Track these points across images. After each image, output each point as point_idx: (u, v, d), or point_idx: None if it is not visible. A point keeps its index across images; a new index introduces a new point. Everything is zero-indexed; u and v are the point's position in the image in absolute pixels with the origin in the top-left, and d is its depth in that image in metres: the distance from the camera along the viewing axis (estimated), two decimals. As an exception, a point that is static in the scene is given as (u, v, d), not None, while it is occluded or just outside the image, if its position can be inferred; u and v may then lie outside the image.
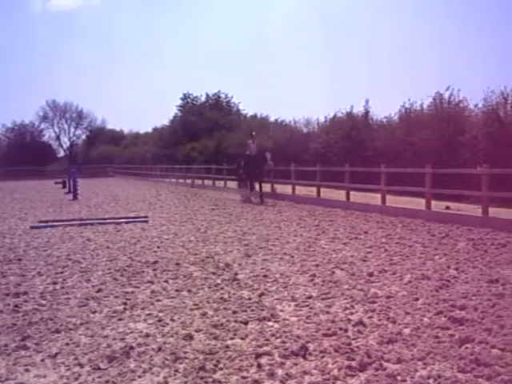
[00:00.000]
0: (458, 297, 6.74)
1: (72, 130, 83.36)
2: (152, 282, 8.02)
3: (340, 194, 19.96)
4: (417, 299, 6.70)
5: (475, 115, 25.87)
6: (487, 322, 5.72)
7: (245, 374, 4.57)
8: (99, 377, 4.59)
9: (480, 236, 11.40)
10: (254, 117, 53.98)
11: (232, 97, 62.29)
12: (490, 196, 13.64)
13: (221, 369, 4.69)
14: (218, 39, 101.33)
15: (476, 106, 25.96)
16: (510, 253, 9.55)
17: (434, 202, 15.60)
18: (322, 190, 21.72)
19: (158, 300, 7.01)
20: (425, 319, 5.91)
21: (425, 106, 28.74)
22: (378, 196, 17.46)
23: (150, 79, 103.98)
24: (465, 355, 4.79)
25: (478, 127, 23.52)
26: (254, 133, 25.77)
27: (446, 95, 27.46)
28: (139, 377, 4.57)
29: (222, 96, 62.16)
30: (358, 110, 34.17)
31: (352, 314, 6.17)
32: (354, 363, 4.66)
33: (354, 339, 5.30)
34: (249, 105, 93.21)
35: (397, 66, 66.98)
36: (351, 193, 19.43)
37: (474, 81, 57.41)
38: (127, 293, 7.41)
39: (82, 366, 4.84)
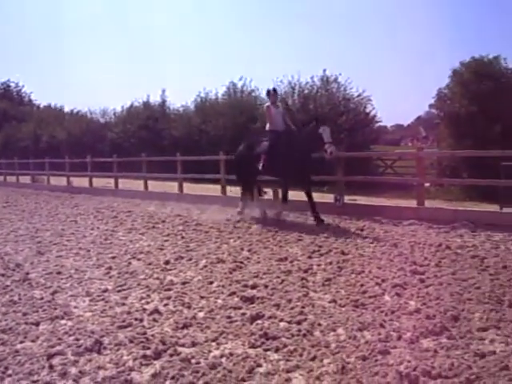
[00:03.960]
0: (250, 277, 7.04)
1: None
2: None
3: (139, 184, 19.81)
4: (211, 283, 6.88)
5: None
6: (276, 298, 6.05)
7: (35, 377, 4.32)
8: None
9: (272, 217, 11.98)
10: (48, 107, 51.55)
11: (23, 86, 58.77)
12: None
13: (9, 375, 4.38)
14: (9, 26, 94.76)
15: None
16: (299, 232, 10.21)
17: (230, 188, 16.12)
18: (120, 180, 21.40)
19: None
20: (219, 301, 6.09)
21: (219, 95, 29.60)
22: (176, 184, 17.61)
23: None
24: (255, 331, 5.03)
25: (269, 115, 24.68)
26: (272, 88, 12.96)
27: (240, 85, 28.53)
28: None
29: (12, 85, 58.40)
30: (155, 99, 34.20)
31: (148, 303, 6.14)
32: (149, 352, 4.64)
33: (149, 328, 5.27)
34: (43, 95, 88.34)
35: (193, 55, 67.82)
36: (149, 182, 19.40)
37: (266, 71, 60.47)
38: None
39: None
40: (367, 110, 25.08)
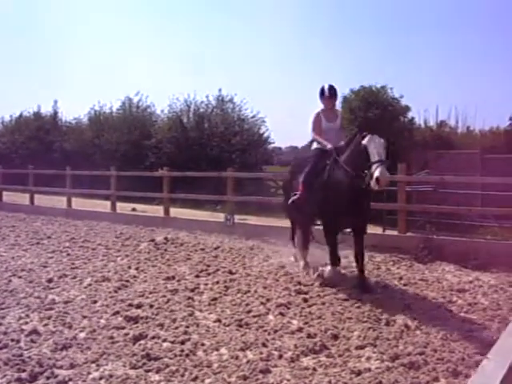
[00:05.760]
0: (136, 296, 6.95)
1: None
2: None
3: (25, 198, 19.04)
4: (95, 302, 6.71)
5: (161, 120, 27.12)
6: (161, 318, 6.01)
7: None
8: None
9: (163, 236, 11.81)
10: None
11: None
12: (171, 197, 14.42)
13: None
14: None
15: (162, 111, 27.28)
16: (187, 250, 10.20)
17: (120, 204, 15.88)
18: (4, 193, 20.46)
19: None
20: (101, 321, 5.95)
21: (114, 110, 29.17)
22: (65, 199, 17.09)
23: None
24: (137, 352, 4.96)
25: (164, 132, 24.71)
26: (329, 86, 8.18)
27: (136, 100, 28.26)
28: None
29: None
30: (47, 110, 33.12)
31: (26, 323, 5.88)
32: (24, 374, 4.46)
33: (26, 349, 5.06)
34: None
35: (87, 68, 66.03)
36: (36, 196, 18.70)
37: (163, 88, 60.14)
38: None
39: None
40: (261, 131, 25.57)
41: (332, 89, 8.17)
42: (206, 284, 7.60)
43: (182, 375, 4.49)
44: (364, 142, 6.84)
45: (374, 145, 6.77)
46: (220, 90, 25.50)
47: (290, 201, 8.33)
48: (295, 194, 8.16)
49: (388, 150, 6.82)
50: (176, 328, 5.66)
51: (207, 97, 25.56)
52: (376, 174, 6.53)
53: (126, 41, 67.58)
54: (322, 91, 8.18)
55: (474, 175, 13.74)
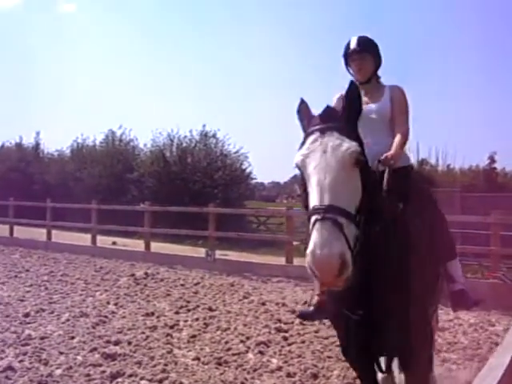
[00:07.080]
0: (114, 332, 6.87)
1: None
2: None
3: (4, 230, 18.82)
4: (73, 338, 6.62)
5: (144, 154, 27.14)
6: (139, 355, 5.94)
7: None
8: None
9: (143, 271, 11.76)
10: None
11: None
12: (152, 232, 14.37)
13: None
14: None
15: (145, 145, 27.32)
16: (167, 286, 10.12)
17: (101, 238, 15.76)
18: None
19: None
20: (78, 357, 5.86)
21: (97, 143, 29.15)
22: (45, 231, 16.94)
23: None
24: (116, 390, 4.89)
25: (146, 166, 24.72)
26: (358, 41, 3.87)
27: (119, 133, 28.28)
28: None
29: None
30: (29, 141, 33.02)
31: (1, 359, 5.77)
32: (-3, 413, 4.39)
33: (0, 387, 4.99)
34: None
35: (70, 99, 65.89)
36: (16, 228, 18.50)
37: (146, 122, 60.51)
38: None
39: None
40: (243, 167, 25.64)
41: (363, 40, 3.97)
42: (186, 321, 7.55)
43: (159, 415, 4.44)
44: (296, 157, 2.76)
45: (314, 163, 2.65)
46: (204, 126, 25.61)
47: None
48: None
49: (369, 173, 2.83)
50: (154, 366, 5.60)
51: (190, 131, 25.64)
52: (309, 247, 2.43)
53: (109, 74, 67.98)
54: (347, 47, 4.00)
55: (453, 213, 13.85)
